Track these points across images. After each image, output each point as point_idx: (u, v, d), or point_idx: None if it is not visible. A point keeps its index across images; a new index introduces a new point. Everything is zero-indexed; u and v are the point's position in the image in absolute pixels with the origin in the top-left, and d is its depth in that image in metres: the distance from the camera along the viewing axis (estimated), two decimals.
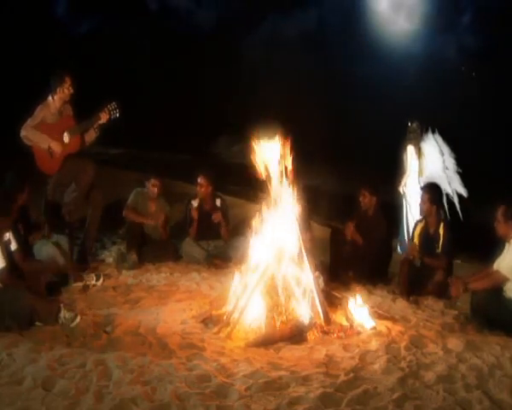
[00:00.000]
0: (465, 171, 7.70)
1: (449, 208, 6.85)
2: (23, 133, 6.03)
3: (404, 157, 7.41)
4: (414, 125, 7.37)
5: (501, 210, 4.77)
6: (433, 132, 7.27)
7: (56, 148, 6.01)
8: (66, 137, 6.06)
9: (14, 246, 4.81)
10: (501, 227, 4.77)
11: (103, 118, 6.21)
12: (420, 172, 7.34)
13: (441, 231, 5.70)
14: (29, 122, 6.06)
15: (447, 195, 6.91)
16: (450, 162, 7.14)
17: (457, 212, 6.86)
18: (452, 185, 7.01)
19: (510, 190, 5.94)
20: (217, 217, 6.73)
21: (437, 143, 7.22)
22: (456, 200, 6.96)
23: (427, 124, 7.31)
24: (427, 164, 7.29)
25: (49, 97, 6.19)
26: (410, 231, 6.51)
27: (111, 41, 10.66)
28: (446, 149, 7.19)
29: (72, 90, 6.21)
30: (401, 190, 7.49)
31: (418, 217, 6.57)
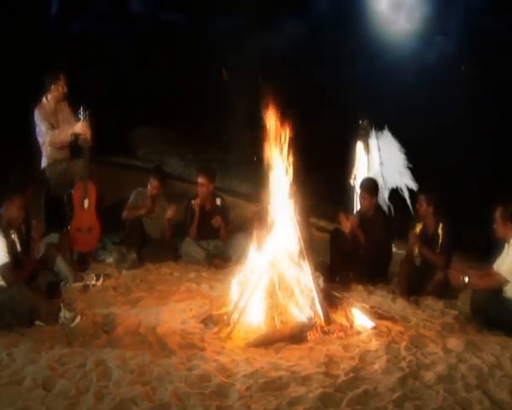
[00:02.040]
0: (463, 171, 7.79)
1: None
2: (48, 146, 6.12)
3: (354, 153, 7.67)
4: (364, 123, 7.58)
5: (499, 211, 4.77)
6: (381, 130, 7.50)
7: (82, 129, 6.02)
8: (86, 203, 6.08)
9: (18, 248, 4.81)
10: (500, 228, 4.77)
11: (88, 133, 6.08)
12: (369, 168, 7.57)
13: (440, 231, 5.70)
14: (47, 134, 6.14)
15: (396, 189, 7.15)
16: (400, 158, 7.34)
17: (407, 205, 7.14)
18: (403, 180, 7.22)
19: (508, 190, 5.94)
20: (216, 221, 6.69)
21: (376, 139, 7.44)
22: (406, 194, 7.23)
23: (378, 122, 7.53)
24: (374, 160, 7.56)
25: (43, 99, 6.22)
26: None
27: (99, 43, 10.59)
28: (396, 146, 7.38)
29: (66, 89, 6.21)
30: (351, 182, 7.80)
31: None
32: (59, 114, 6.34)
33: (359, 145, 7.68)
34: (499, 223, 4.77)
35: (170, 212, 6.63)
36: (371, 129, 7.59)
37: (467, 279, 4.87)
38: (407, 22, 9.54)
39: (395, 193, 7.47)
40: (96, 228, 6.26)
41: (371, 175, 7.44)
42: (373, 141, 7.56)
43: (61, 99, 6.31)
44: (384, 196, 7.50)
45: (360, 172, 7.68)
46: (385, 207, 7.36)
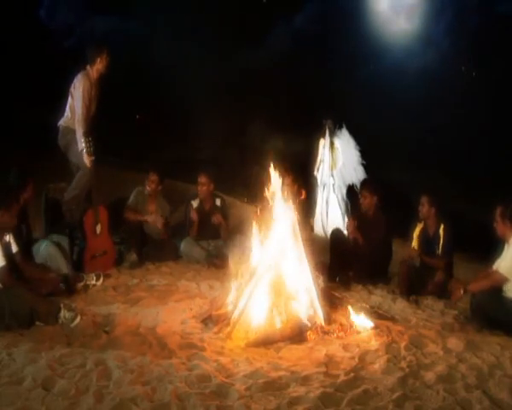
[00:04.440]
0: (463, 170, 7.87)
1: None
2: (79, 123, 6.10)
3: (317, 149, 8.18)
4: (328, 122, 8.03)
5: (498, 211, 4.80)
6: (339, 129, 7.84)
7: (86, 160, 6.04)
8: (98, 228, 6.04)
9: (14, 248, 4.80)
10: (499, 228, 4.80)
11: (90, 160, 6.04)
12: (333, 165, 8.03)
13: (441, 232, 5.71)
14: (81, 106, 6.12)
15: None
16: (355, 155, 7.81)
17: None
18: (357, 176, 7.70)
19: (508, 189, 5.95)
20: (217, 219, 6.71)
21: (337, 137, 7.79)
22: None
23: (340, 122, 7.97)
24: (337, 157, 8.08)
25: (88, 67, 6.28)
26: (319, 210, 7.68)
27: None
28: (352, 144, 7.86)
29: (108, 62, 6.28)
30: (315, 174, 8.23)
31: (328, 199, 7.74)
32: (95, 89, 6.38)
33: (321, 142, 8.08)
34: (499, 222, 4.79)
35: (159, 219, 6.65)
36: (334, 128, 7.96)
37: (465, 289, 4.92)
38: (404, 23, 9.61)
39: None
40: (111, 249, 6.22)
41: (335, 171, 7.98)
42: (335, 139, 7.94)
43: (102, 73, 6.36)
44: (343, 191, 7.93)
45: (324, 168, 8.11)
46: (342, 204, 7.85)
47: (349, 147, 7.83)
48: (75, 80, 6.25)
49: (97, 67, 6.28)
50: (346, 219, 7.63)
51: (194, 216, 6.72)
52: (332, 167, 7.98)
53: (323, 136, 8.02)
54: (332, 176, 8.01)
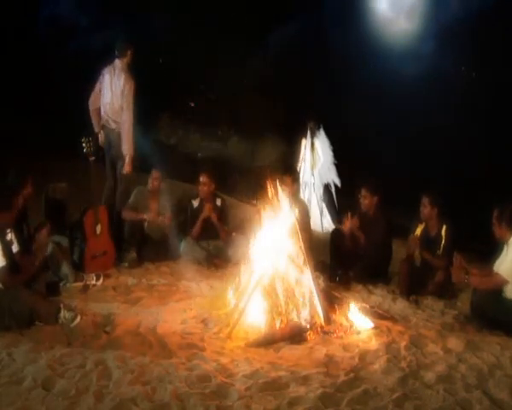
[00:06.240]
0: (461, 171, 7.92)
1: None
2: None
3: (300, 149, 8.38)
4: (311, 123, 8.26)
5: (495, 214, 4.82)
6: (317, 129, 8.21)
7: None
8: (98, 228, 6.04)
9: (15, 247, 4.79)
10: (497, 230, 4.83)
11: (91, 160, 6.09)
12: (313, 164, 8.25)
13: (443, 233, 5.70)
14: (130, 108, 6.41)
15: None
16: (329, 155, 8.08)
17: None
18: (331, 176, 8.03)
19: (505, 191, 5.96)
20: (213, 217, 6.68)
21: (316, 138, 8.15)
22: (333, 190, 7.98)
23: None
24: (317, 158, 8.30)
25: (117, 60, 6.48)
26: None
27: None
28: (327, 143, 8.08)
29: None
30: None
31: (310, 198, 7.99)
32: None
33: (303, 142, 8.30)
34: (496, 226, 4.82)
35: (166, 220, 6.64)
36: (317, 130, 8.19)
37: (468, 278, 4.90)
38: (402, 23, 9.61)
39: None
40: (111, 249, 6.20)
41: (315, 171, 8.19)
42: (317, 140, 8.18)
43: (129, 65, 6.57)
44: (320, 190, 8.14)
45: (305, 168, 8.30)
46: (320, 203, 8.05)
47: (325, 146, 8.03)
48: (117, 79, 6.43)
49: (127, 60, 6.49)
50: (328, 218, 7.98)
51: (207, 211, 6.65)
52: (312, 167, 8.19)
53: (306, 137, 8.18)
54: (312, 175, 8.20)
